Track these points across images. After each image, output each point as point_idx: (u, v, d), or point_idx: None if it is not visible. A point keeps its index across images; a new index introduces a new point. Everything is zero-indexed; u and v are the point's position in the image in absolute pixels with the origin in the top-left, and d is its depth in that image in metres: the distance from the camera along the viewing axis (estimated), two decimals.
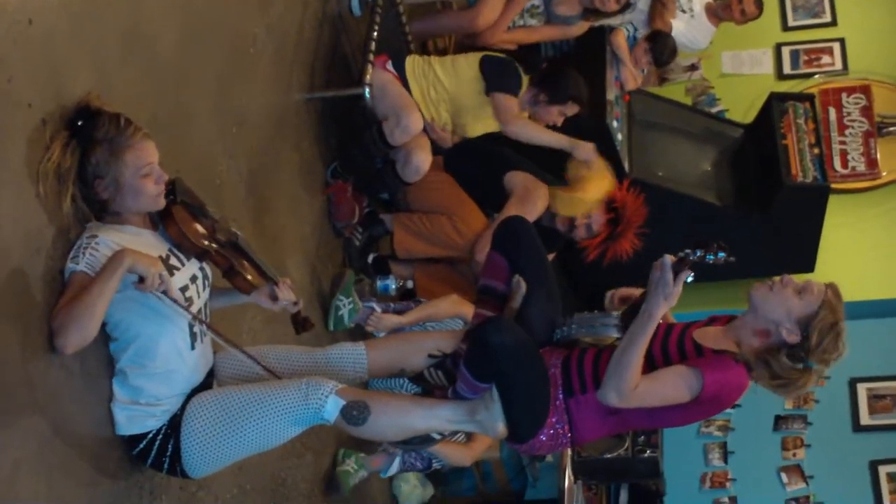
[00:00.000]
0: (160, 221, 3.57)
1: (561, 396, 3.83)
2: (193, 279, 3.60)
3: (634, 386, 3.65)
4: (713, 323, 3.91)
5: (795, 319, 3.68)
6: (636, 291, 3.97)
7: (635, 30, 7.09)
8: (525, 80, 5.85)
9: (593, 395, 3.77)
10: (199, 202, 3.70)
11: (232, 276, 3.79)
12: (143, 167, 3.38)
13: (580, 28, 6.86)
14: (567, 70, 5.86)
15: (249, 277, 3.82)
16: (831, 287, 3.73)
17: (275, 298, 3.92)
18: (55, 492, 3.27)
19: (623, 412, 3.80)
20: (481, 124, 5.91)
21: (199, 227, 3.64)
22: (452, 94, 5.78)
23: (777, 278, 3.76)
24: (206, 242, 3.64)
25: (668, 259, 3.59)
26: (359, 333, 5.64)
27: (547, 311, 4.08)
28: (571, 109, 5.86)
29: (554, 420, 3.83)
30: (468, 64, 5.82)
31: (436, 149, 5.86)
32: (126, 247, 3.28)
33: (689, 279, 3.55)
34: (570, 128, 6.33)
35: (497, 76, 5.77)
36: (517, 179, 5.92)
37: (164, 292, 3.38)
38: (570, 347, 3.99)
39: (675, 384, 3.70)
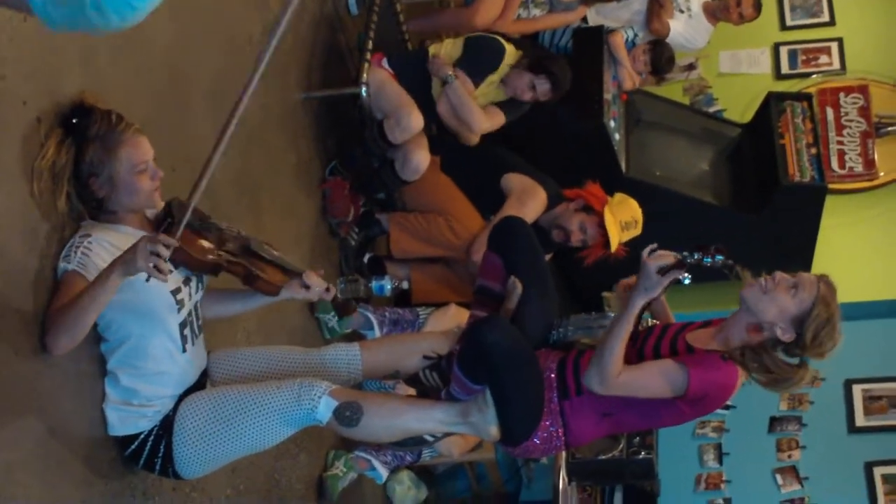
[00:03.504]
0: None
1: (555, 398, 3.81)
2: (187, 281, 3.57)
3: (617, 373, 3.63)
4: (709, 325, 3.89)
5: (790, 319, 3.64)
6: None
7: (635, 35, 7.07)
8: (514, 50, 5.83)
9: (588, 398, 3.76)
10: (201, 214, 3.63)
11: (252, 281, 3.75)
12: (138, 164, 3.36)
13: (579, 13, 6.88)
14: (562, 57, 5.81)
15: (271, 278, 3.79)
16: (824, 280, 3.67)
17: (307, 287, 3.90)
18: (48, 492, 3.26)
19: (617, 414, 3.80)
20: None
21: (205, 243, 3.58)
22: None
23: (767, 276, 3.70)
24: (215, 256, 3.59)
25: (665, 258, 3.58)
26: (354, 334, 5.63)
27: (543, 312, 4.06)
28: (542, 86, 5.74)
29: (548, 423, 3.81)
30: (454, 45, 5.81)
31: (434, 149, 5.84)
32: (118, 254, 3.20)
33: (687, 281, 3.54)
34: (568, 130, 6.38)
35: (471, 56, 5.74)
36: (514, 181, 5.89)
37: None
38: (566, 349, 3.97)
39: (658, 376, 3.67)
